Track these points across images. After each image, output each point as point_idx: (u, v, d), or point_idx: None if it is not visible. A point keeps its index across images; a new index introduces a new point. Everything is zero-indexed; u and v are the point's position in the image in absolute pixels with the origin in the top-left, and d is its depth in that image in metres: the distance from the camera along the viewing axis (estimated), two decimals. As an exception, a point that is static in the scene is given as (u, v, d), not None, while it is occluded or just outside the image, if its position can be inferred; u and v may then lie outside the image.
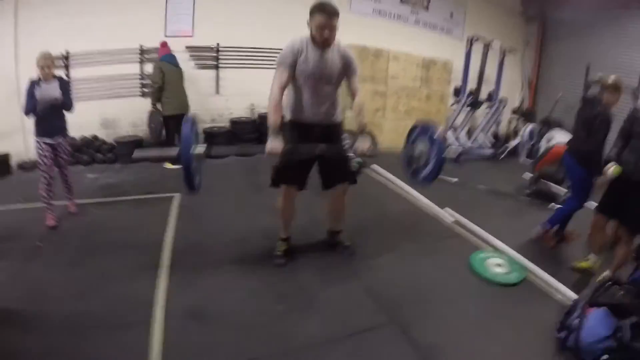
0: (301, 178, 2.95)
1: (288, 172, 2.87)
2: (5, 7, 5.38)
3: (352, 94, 2.89)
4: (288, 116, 2.88)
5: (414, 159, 3.11)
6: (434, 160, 2.91)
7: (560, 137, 5.34)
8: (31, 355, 2.12)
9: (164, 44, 5.83)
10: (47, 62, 3.61)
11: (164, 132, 5.88)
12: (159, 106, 5.72)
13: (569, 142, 3.73)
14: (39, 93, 3.57)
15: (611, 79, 3.30)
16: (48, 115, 3.67)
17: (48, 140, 3.73)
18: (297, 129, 2.83)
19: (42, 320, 2.35)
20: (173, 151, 2.52)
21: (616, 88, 3.29)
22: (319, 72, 2.72)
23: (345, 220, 3.32)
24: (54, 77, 3.72)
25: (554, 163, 5.29)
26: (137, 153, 2.69)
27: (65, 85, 3.81)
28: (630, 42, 6.84)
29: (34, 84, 3.61)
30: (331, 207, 3.22)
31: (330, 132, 2.91)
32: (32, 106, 3.60)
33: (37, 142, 3.74)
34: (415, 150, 3.07)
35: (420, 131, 3.08)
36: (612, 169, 2.86)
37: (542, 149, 5.79)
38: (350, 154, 2.99)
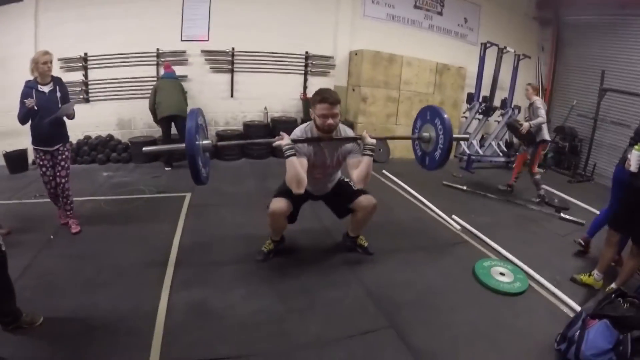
0: (294, 204, 3.00)
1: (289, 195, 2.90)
2: (25, 10, 5.57)
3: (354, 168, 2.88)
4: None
5: (423, 144, 3.25)
6: (442, 143, 3.02)
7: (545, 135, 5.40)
8: (39, 343, 2.20)
9: (168, 66, 6.01)
10: (49, 57, 3.31)
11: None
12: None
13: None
14: (38, 98, 3.28)
15: None
16: (47, 122, 3.37)
17: (47, 148, 3.46)
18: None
19: (50, 311, 2.43)
20: (182, 145, 2.52)
21: None
22: (320, 161, 2.88)
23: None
24: (52, 77, 3.41)
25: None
26: (147, 148, 2.70)
27: (64, 88, 3.50)
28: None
29: (31, 88, 3.29)
30: (357, 217, 3.21)
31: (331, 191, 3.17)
32: (28, 114, 3.28)
33: (35, 150, 3.47)
34: (424, 135, 3.20)
35: (427, 115, 3.21)
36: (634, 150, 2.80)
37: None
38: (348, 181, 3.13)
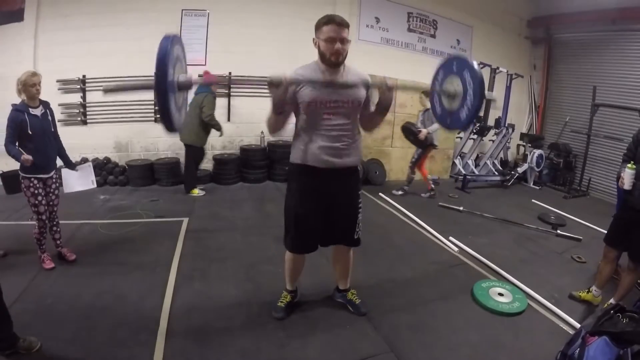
0: (315, 238, 2.62)
1: (304, 232, 2.56)
2: (25, 31, 5.67)
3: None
4: (292, 159, 2.50)
5: (447, 100, 2.55)
6: (470, 101, 2.35)
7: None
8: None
9: (204, 73, 5.74)
10: (38, 79, 3.06)
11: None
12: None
13: None
14: (32, 123, 3.08)
15: None
16: (42, 146, 3.18)
17: (42, 175, 3.25)
18: (304, 175, 2.46)
19: (49, 336, 2.41)
20: (149, 81, 1.98)
21: None
22: (328, 98, 2.30)
23: (351, 278, 2.99)
24: (40, 101, 3.19)
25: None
26: (108, 85, 2.26)
27: (53, 113, 3.33)
28: (635, 62, 6.91)
29: (21, 111, 3.05)
30: (334, 261, 2.91)
31: (345, 179, 2.52)
32: (18, 139, 3.06)
33: (27, 179, 3.18)
34: (447, 89, 2.51)
35: (452, 66, 2.51)
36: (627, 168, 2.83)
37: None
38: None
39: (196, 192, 5.88)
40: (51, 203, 3.38)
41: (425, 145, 6.03)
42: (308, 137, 2.38)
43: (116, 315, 2.71)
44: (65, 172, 3.69)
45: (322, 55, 2.29)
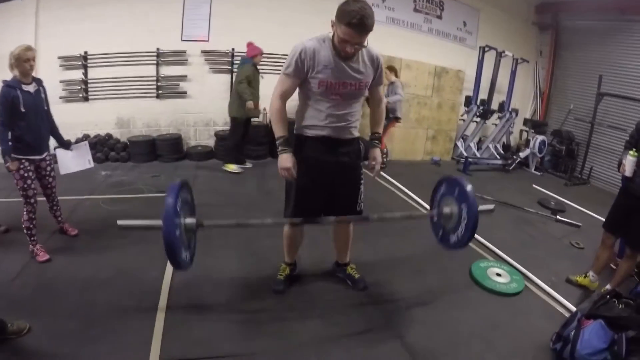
0: (316, 207, 2.56)
1: (306, 203, 2.51)
2: (26, 7, 5.58)
3: (376, 103, 2.64)
4: (296, 131, 2.50)
5: (443, 221, 2.66)
6: (466, 221, 2.42)
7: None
8: (40, 341, 2.21)
9: (248, 45, 5.68)
10: (32, 54, 2.89)
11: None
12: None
13: None
14: (25, 99, 2.89)
15: None
16: (35, 125, 2.98)
17: (35, 157, 3.05)
18: (307, 146, 2.45)
19: (49, 310, 2.45)
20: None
21: None
22: (339, 84, 2.29)
23: (351, 252, 3.02)
24: (33, 77, 3.00)
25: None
26: (122, 222, 2.40)
27: (45, 90, 3.13)
28: (642, 53, 6.80)
29: (13, 87, 2.85)
30: (334, 235, 2.93)
31: (348, 150, 2.52)
32: (9, 118, 2.84)
33: (17, 160, 2.93)
34: (443, 210, 2.61)
35: (448, 188, 2.64)
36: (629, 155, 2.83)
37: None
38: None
39: (232, 167, 5.82)
40: (49, 186, 3.27)
41: (389, 118, 6.09)
42: (314, 111, 2.37)
43: (117, 289, 2.74)
44: (60, 153, 3.48)
45: (334, 44, 2.21)
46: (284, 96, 2.33)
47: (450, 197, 2.59)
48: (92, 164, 3.71)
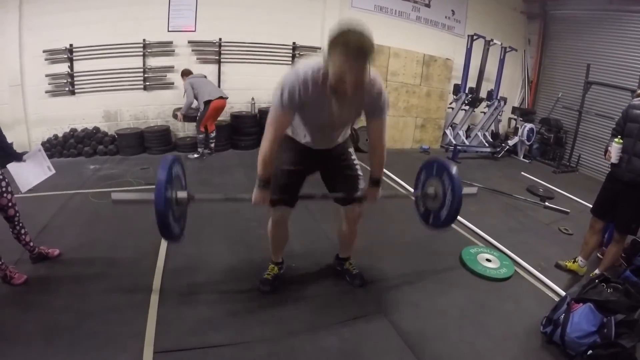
0: (292, 191, 2.44)
1: (278, 189, 2.35)
2: (9, 3, 5.44)
3: (373, 143, 2.40)
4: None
5: (427, 202, 2.71)
6: (450, 202, 2.51)
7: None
8: (32, 331, 2.20)
9: None
10: None
11: None
12: None
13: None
14: None
15: None
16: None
17: None
18: (292, 147, 2.37)
19: (42, 305, 2.43)
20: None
21: None
22: (331, 123, 2.15)
23: (355, 247, 2.92)
24: None
25: (216, 117, 6.03)
26: (116, 195, 2.32)
27: None
28: (630, 42, 6.86)
29: None
30: (342, 231, 2.75)
31: (335, 149, 2.45)
32: None
33: None
34: (428, 191, 2.67)
35: (433, 169, 2.69)
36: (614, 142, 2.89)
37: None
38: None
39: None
40: (6, 207, 2.60)
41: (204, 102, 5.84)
42: (294, 128, 2.32)
43: (109, 281, 2.72)
44: (14, 167, 2.97)
45: (327, 79, 1.86)
46: (279, 136, 2.10)
47: (434, 178, 2.66)
48: (52, 171, 3.28)
